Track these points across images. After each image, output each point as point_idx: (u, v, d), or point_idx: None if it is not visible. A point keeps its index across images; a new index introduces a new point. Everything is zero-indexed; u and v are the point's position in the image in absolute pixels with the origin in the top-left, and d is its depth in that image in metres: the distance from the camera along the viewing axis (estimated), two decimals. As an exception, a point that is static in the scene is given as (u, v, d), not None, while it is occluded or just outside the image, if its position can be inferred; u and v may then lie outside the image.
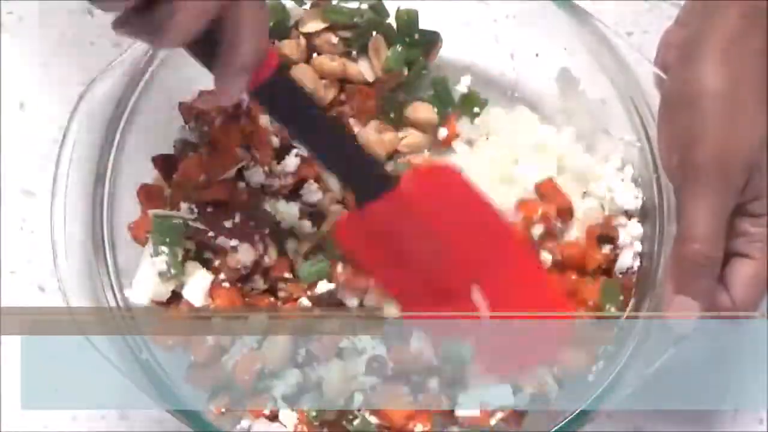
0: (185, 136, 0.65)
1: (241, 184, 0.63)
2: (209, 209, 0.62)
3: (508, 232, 0.62)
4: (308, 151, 0.60)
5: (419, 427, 0.62)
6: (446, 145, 0.70)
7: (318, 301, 0.63)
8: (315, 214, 0.65)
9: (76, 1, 0.75)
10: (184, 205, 0.62)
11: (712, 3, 0.56)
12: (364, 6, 0.67)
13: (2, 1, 0.75)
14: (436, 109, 0.69)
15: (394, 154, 0.69)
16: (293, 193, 0.65)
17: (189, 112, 0.65)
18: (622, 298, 0.64)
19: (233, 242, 0.61)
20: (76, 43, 0.75)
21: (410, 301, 0.62)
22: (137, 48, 0.62)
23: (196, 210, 0.62)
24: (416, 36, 0.68)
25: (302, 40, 0.67)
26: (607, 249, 0.65)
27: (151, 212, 0.62)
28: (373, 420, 0.62)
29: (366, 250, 0.61)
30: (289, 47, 0.66)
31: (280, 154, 0.64)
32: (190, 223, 0.62)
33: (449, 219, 0.59)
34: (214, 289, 0.62)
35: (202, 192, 0.62)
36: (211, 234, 0.61)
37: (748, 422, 0.73)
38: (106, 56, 0.63)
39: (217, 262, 0.62)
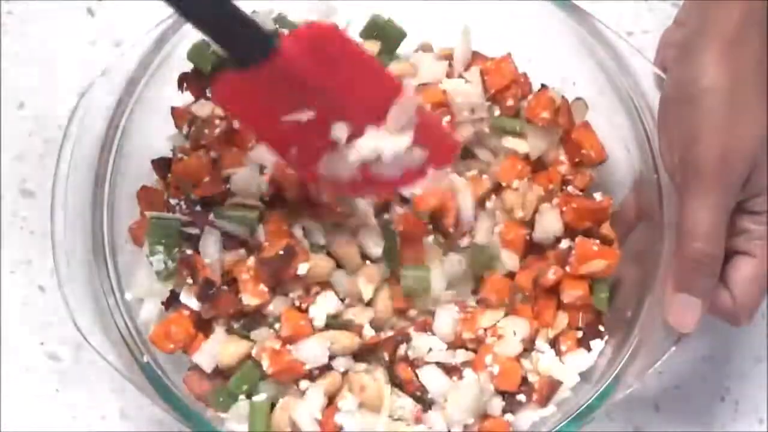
0: (181, 140, 0.65)
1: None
2: (197, 208, 0.62)
3: (391, 82, 0.59)
4: (180, 13, 0.53)
5: None
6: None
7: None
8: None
9: (76, 1, 0.75)
10: (173, 202, 0.62)
11: (711, 2, 0.56)
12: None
13: (2, 1, 0.75)
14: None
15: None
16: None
17: (182, 116, 0.65)
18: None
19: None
20: (76, 43, 0.75)
21: (296, 158, 0.59)
22: (137, 48, 0.62)
23: (184, 206, 0.62)
24: None
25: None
26: None
27: (147, 213, 0.62)
28: None
29: (248, 110, 0.58)
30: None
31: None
32: (182, 228, 0.62)
33: (334, 75, 0.56)
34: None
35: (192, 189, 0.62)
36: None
37: (748, 422, 0.73)
38: (106, 56, 0.63)
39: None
